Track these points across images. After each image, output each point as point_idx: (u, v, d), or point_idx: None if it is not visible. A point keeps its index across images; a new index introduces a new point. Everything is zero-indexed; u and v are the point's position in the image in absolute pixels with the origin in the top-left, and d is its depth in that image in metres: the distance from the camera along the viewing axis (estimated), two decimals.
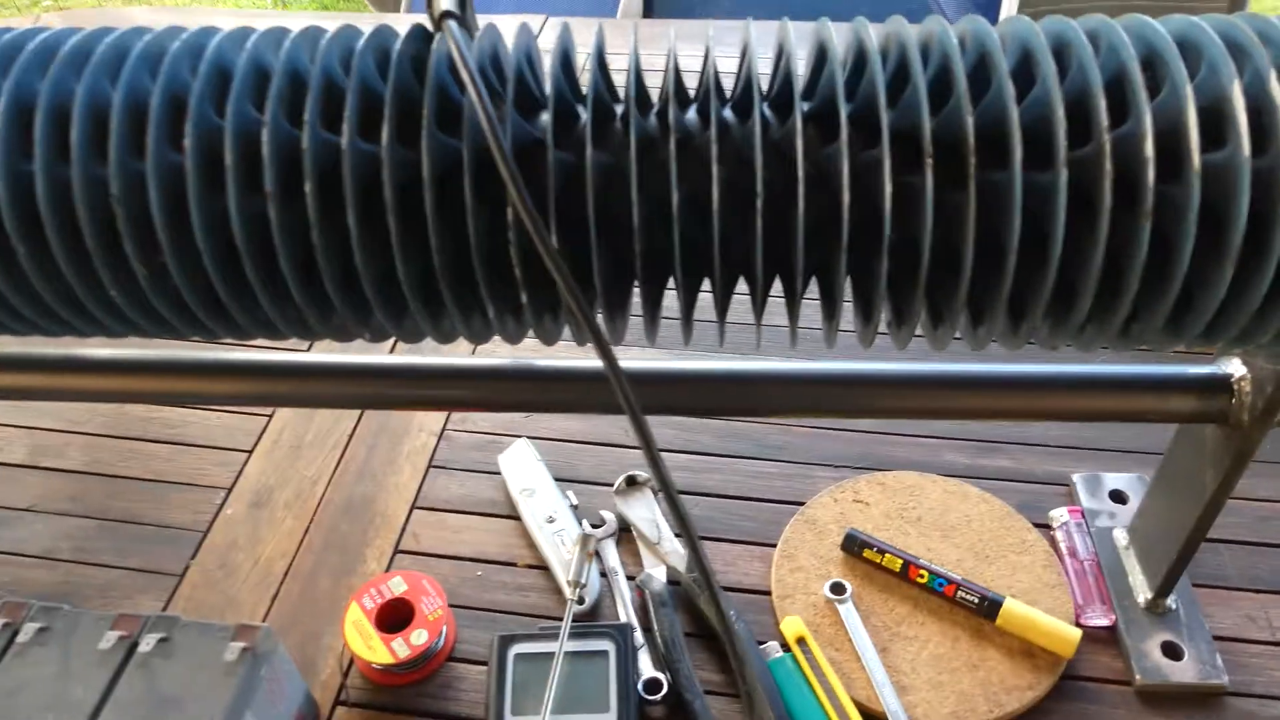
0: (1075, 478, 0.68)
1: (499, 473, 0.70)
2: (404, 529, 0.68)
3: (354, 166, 0.37)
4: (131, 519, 0.69)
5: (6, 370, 0.54)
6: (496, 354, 0.77)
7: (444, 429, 0.74)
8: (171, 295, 0.40)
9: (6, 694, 0.50)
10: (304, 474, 0.72)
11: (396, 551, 0.67)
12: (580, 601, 0.60)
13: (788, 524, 0.66)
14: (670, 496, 0.37)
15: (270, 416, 0.76)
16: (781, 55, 0.41)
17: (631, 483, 0.68)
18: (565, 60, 0.40)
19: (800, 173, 0.36)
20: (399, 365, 0.53)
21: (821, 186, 0.37)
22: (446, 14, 0.38)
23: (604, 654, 0.55)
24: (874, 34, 0.39)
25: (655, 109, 0.39)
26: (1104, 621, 0.60)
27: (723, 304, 0.42)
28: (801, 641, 0.59)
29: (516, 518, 0.68)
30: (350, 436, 0.74)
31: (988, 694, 0.56)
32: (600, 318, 0.41)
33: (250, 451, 0.74)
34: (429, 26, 0.40)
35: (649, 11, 1.30)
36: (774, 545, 0.65)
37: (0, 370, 0.54)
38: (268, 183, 0.37)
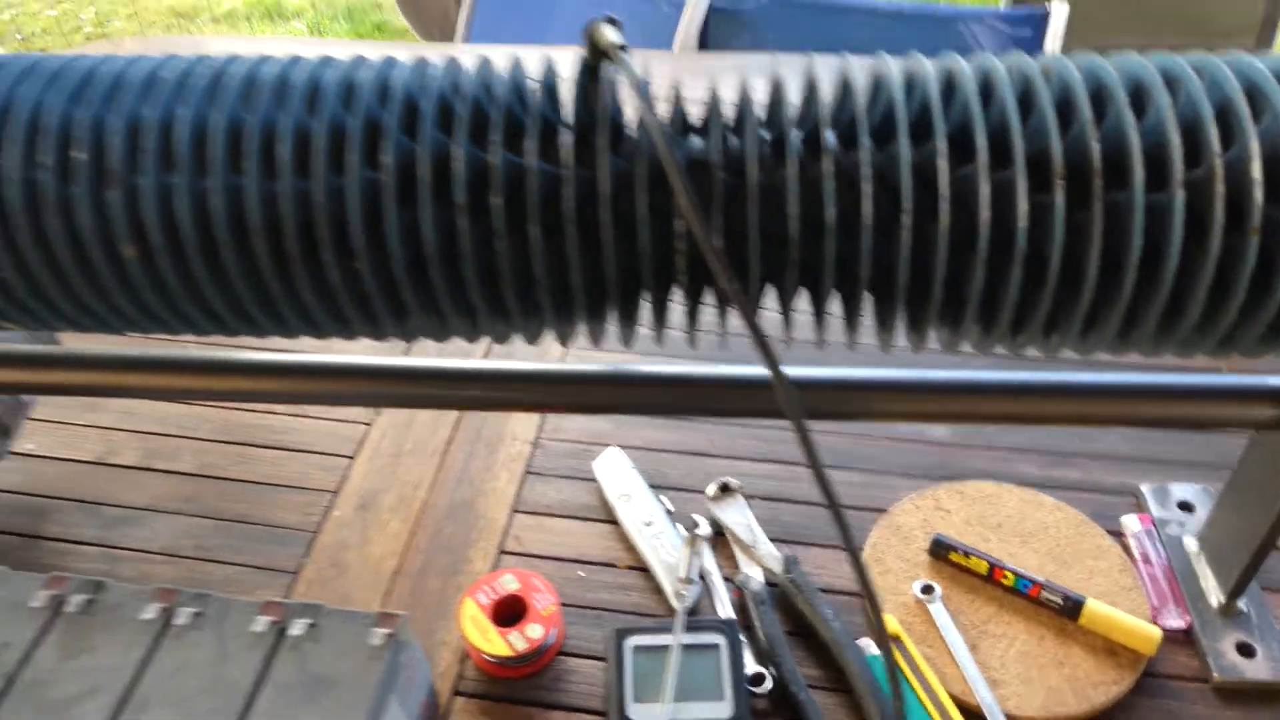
0: (1144, 488, 0.72)
1: (593, 479, 0.74)
2: (506, 531, 0.71)
3: (540, 185, 0.41)
4: (244, 519, 0.73)
5: (137, 370, 0.57)
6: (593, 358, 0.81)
7: (537, 437, 0.78)
8: (360, 297, 0.44)
9: (168, 674, 0.53)
10: (406, 479, 0.75)
11: (501, 553, 0.70)
12: (679, 598, 0.64)
13: (872, 530, 0.69)
14: (831, 501, 0.41)
15: (369, 425, 0.80)
16: (880, 87, 0.45)
17: (724, 489, 0.71)
18: (713, 90, 0.45)
19: (945, 191, 0.40)
20: (503, 370, 0.56)
21: (959, 205, 0.41)
22: (621, 47, 0.42)
23: (715, 647, 0.59)
24: (1000, 66, 0.44)
25: (802, 135, 0.43)
26: (1180, 623, 0.64)
27: (852, 315, 0.46)
28: (895, 639, 0.62)
29: (613, 521, 0.71)
30: (448, 444, 0.78)
31: (1075, 689, 0.60)
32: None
33: (352, 457, 0.77)
34: (582, 56, 0.44)
35: (703, 45, 1.35)
36: (860, 550, 0.69)
37: (132, 370, 0.58)
38: (458, 196, 0.41)
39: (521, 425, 0.79)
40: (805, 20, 1.35)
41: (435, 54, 0.49)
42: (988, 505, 0.70)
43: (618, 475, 0.73)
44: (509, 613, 0.63)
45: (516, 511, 0.73)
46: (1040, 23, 1.33)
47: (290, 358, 0.56)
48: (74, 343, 0.74)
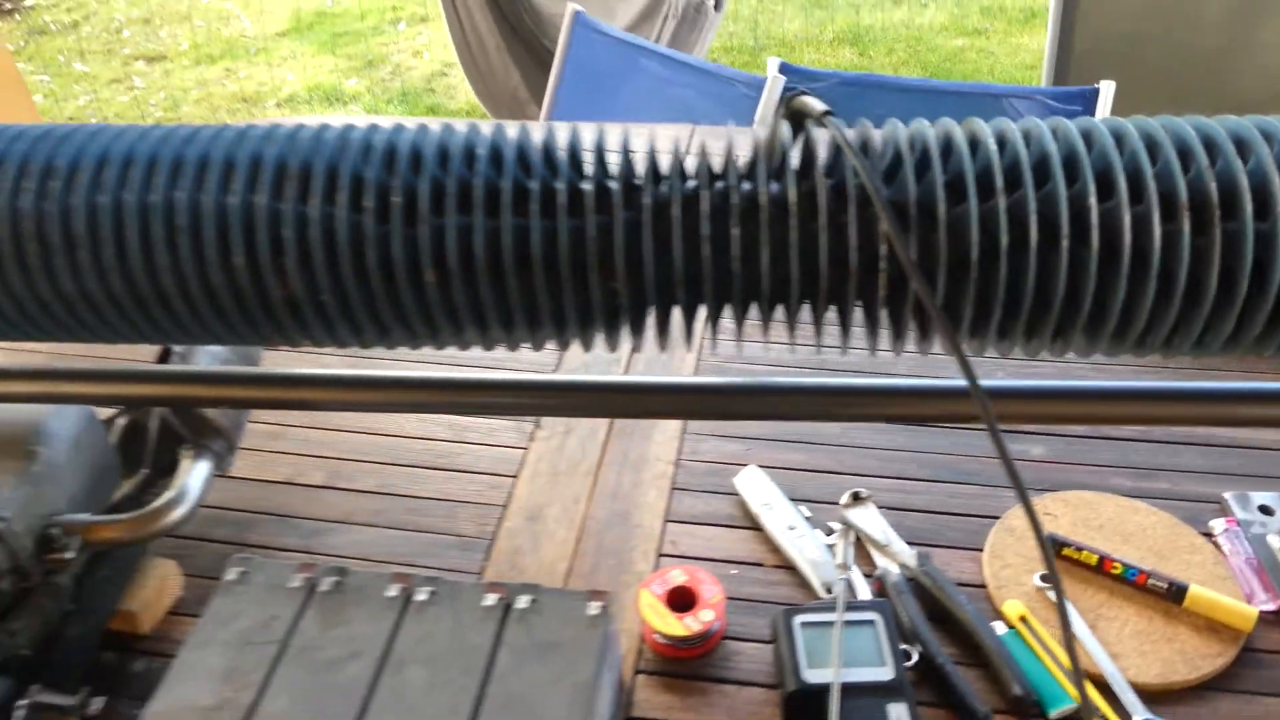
0: (1227, 495, 0.81)
1: (734, 493, 0.84)
2: (661, 537, 0.81)
3: (770, 215, 0.52)
4: (428, 529, 0.83)
5: (353, 388, 0.68)
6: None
7: (678, 458, 0.88)
8: (615, 310, 0.55)
9: (416, 641, 0.62)
10: (565, 495, 0.85)
11: (659, 555, 0.79)
12: (836, 584, 0.73)
13: (989, 532, 0.79)
14: (1019, 489, 0.51)
15: (526, 449, 0.90)
16: (1031, 139, 0.56)
17: (856, 497, 0.81)
18: (895, 144, 0.56)
19: (1094, 222, 0.51)
20: (657, 383, 0.66)
21: (1104, 233, 0.52)
22: (827, 113, 0.53)
23: (872, 622, 0.68)
24: (1129, 124, 0.55)
25: (974, 176, 0.54)
26: (1271, 605, 0.72)
27: (1014, 330, 0.56)
28: (1023, 620, 0.71)
29: (757, 528, 0.81)
30: (598, 466, 0.88)
31: (1185, 660, 0.68)
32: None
33: (515, 476, 0.87)
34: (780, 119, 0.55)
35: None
36: (979, 550, 0.78)
37: (348, 388, 0.68)
38: (705, 229, 0.52)
39: (663, 448, 0.89)
40: (870, 98, 1.48)
41: (641, 129, 0.60)
42: (1089, 510, 0.80)
43: (758, 489, 0.83)
44: (680, 601, 0.73)
45: (669, 521, 0.82)
46: (1090, 99, 1.46)
47: (466, 375, 0.66)
48: (276, 362, 0.85)
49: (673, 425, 0.91)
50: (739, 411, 0.69)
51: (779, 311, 0.55)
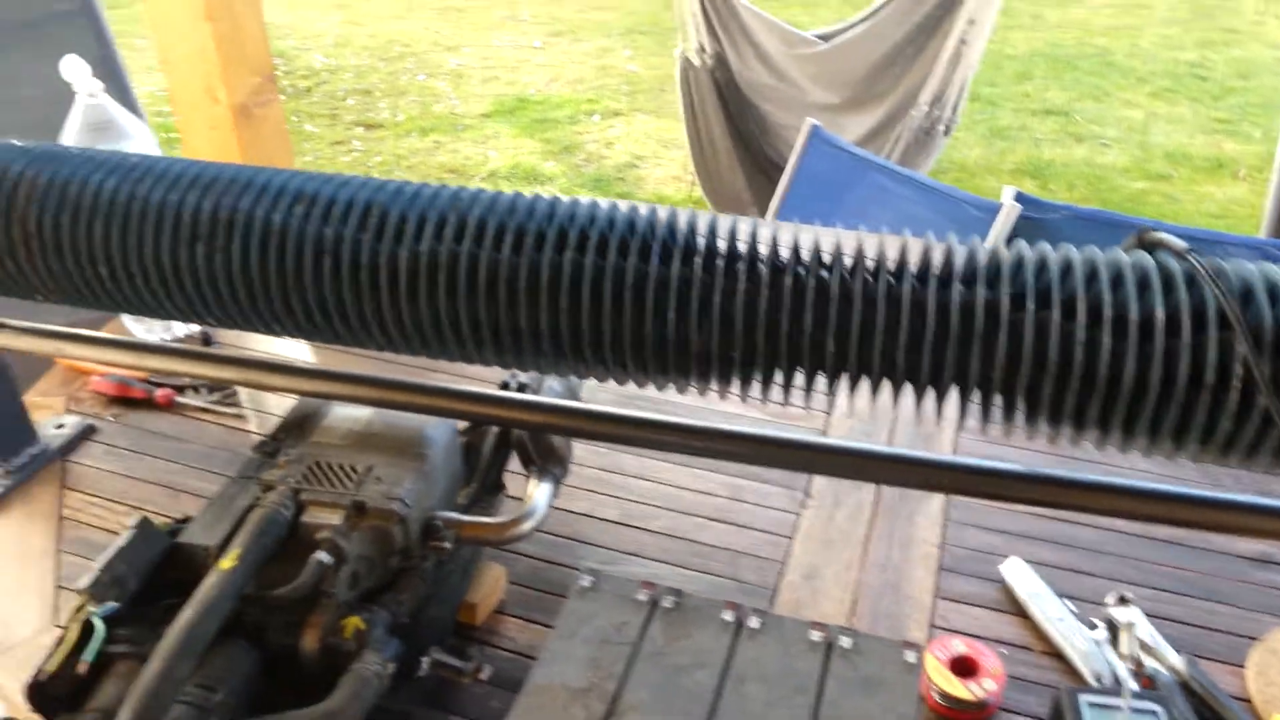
0: None
1: (999, 580, 0.90)
2: (933, 611, 0.88)
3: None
4: (714, 573, 0.92)
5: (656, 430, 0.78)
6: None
7: (943, 541, 0.95)
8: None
9: (750, 661, 0.71)
10: (838, 561, 0.94)
11: (931, 626, 0.87)
12: (1091, 677, 0.78)
13: (1249, 649, 0.83)
14: None
15: (798, 515, 0.99)
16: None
17: (1122, 600, 0.87)
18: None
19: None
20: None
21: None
22: (1191, 249, 0.62)
23: (1155, 714, 0.73)
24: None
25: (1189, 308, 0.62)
26: None
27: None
28: None
29: (1023, 615, 0.87)
30: (866, 540, 0.96)
31: None
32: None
33: (790, 538, 0.96)
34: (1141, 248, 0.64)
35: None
36: (1239, 665, 0.82)
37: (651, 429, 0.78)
38: (1104, 339, 0.61)
39: (927, 531, 0.97)
40: (1099, 232, 1.55)
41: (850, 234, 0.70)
42: None
43: (1024, 579, 0.89)
44: (961, 669, 0.79)
45: (939, 598, 0.89)
46: None
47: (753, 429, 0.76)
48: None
49: (935, 509, 0.99)
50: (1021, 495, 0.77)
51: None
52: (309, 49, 5.30)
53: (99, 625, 0.68)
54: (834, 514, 0.99)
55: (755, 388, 0.70)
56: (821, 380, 0.67)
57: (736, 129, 2.57)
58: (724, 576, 0.92)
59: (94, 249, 0.72)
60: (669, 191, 3.65)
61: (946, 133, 2.46)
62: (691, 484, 1.03)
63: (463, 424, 0.94)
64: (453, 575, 0.85)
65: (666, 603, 0.75)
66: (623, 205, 0.68)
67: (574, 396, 0.98)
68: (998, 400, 0.65)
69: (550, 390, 0.92)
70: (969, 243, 0.66)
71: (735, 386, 0.70)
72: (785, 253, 0.64)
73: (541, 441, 0.88)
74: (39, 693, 0.66)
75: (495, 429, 0.96)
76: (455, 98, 4.64)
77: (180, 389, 1.16)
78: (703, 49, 2.79)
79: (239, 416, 1.14)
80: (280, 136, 2.47)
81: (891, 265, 0.65)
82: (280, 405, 1.15)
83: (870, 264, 0.64)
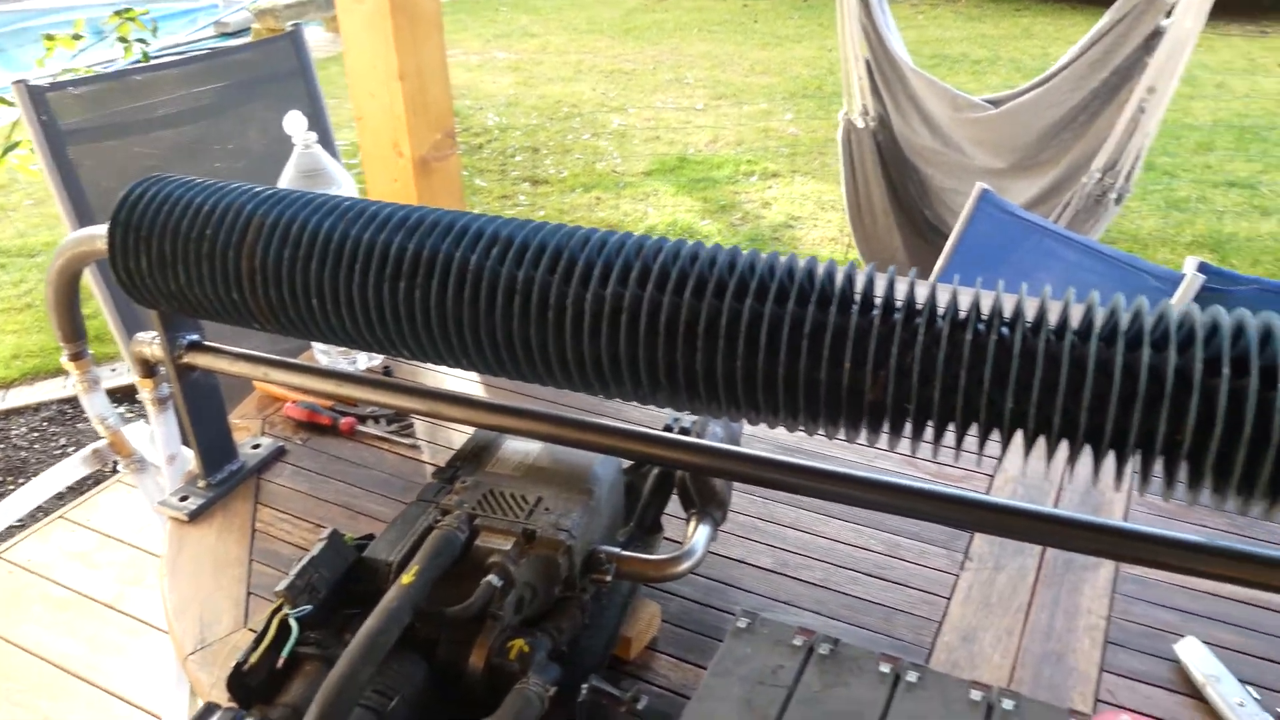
0: None
1: (1171, 659, 0.86)
2: (1098, 684, 0.85)
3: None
4: (868, 628, 0.91)
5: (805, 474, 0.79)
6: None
7: (1110, 614, 0.92)
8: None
9: (908, 715, 0.71)
10: (998, 624, 0.91)
11: (1097, 700, 0.83)
12: None
13: None
14: None
15: (957, 576, 0.97)
16: None
17: None
18: None
19: None
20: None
21: None
22: None
23: None
24: None
25: None
26: None
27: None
28: None
29: (1198, 697, 0.83)
30: (1028, 606, 0.94)
31: None
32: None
33: (949, 598, 0.95)
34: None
35: None
36: None
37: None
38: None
39: (1094, 602, 0.93)
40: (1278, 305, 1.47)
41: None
42: None
43: (1202, 660, 0.85)
44: None
45: (1105, 671, 0.86)
46: None
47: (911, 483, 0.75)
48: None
49: (1103, 581, 0.96)
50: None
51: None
52: (482, 108, 5.59)
53: (294, 625, 0.74)
54: (995, 577, 0.97)
55: (924, 446, 0.70)
56: (992, 441, 0.67)
57: (896, 192, 2.56)
58: (878, 632, 0.91)
59: (309, 283, 0.80)
60: (825, 253, 3.65)
61: (1118, 201, 2.38)
62: (847, 537, 1.03)
63: (627, 463, 0.97)
64: (610, 608, 0.88)
65: (823, 649, 0.76)
66: (800, 258, 0.70)
67: (734, 443, 1.00)
68: (1183, 469, 0.64)
69: (713, 435, 0.94)
70: (1160, 305, 0.65)
71: (904, 442, 0.70)
72: (965, 308, 0.65)
73: (703, 484, 0.90)
74: (238, 683, 0.72)
75: (656, 471, 0.99)
76: (618, 156, 4.79)
77: (362, 419, 1.24)
78: (866, 111, 2.81)
79: (414, 447, 1.21)
80: (454, 189, 2.62)
81: (1076, 325, 0.65)
82: (451, 438, 1.22)
83: (1054, 323, 0.65)
